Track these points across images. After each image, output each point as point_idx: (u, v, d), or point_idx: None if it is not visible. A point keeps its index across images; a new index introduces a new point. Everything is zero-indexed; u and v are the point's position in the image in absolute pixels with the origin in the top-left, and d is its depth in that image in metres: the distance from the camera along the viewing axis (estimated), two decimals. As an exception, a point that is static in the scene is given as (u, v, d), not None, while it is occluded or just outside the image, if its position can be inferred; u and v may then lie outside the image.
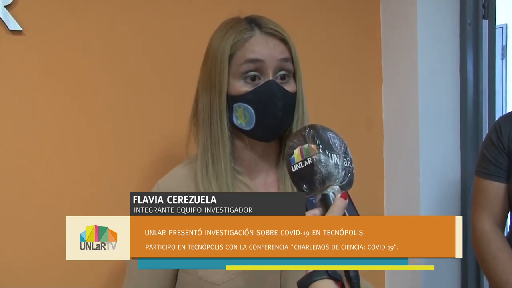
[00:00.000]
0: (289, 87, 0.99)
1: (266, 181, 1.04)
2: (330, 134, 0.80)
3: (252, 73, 0.96)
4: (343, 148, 0.80)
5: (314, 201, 0.79)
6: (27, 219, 1.21)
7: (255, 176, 1.03)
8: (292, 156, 0.79)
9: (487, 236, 1.36)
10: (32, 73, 1.21)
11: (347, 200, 0.76)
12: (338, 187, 0.77)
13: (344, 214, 0.75)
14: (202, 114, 1.00)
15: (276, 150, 1.05)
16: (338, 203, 0.75)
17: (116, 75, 1.32)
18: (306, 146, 0.78)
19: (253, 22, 1.00)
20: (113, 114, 1.32)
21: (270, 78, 0.97)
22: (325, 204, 0.76)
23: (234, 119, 0.99)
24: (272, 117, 0.97)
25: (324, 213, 0.75)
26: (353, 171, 0.80)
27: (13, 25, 1.17)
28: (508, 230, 1.45)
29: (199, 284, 0.96)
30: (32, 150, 1.22)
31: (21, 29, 1.18)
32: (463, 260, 1.82)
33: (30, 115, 1.22)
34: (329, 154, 0.77)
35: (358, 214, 0.80)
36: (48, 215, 1.22)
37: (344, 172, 0.77)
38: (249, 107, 0.97)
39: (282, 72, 0.98)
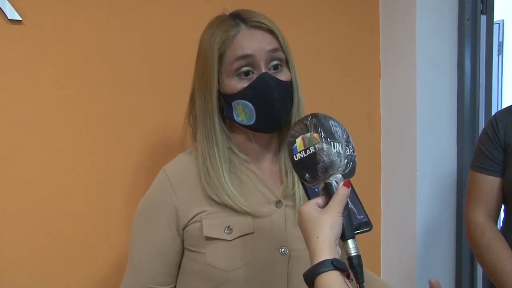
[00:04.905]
0: (283, 76, 0.99)
1: (271, 170, 1.05)
2: (332, 123, 0.79)
3: (245, 68, 0.96)
4: (345, 136, 0.79)
5: (316, 190, 0.79)
6: (27, 219, 1.19)
7: (261, 164, 1.04)
8: (295, 145, 0.79)
9: (481, 227, 1.37)
10: (30, 63, 1.20)
11: (350, 188, 0.76)
12: (340, 175, 0.77)
13: (347, 203, 0.76)
14: (198, 114, 1.01)
15: (277, 140, 1.06)
16: (341, 191, 0.75)
17: (115, 69, 1.30)
18: (308, 135, 0.78)
19: (238, 18, 1.00)
20: (112, 109, 1.30)
21: (263, 71, 0.96)
22: (328, 192, 0.76)
23: (235, 117, 0.99)
24: (271, 109, 0.97)
25: (327, 201, 0.76)
26: (356, 160, 0.79)
27: (12, 14, 1.16)
28: (501, 224, 1.46)
29: (207, 271, 0.97)
30: (30, 145, 1.20)
31: (20, 18, 1.17)
32: (458, 246, 1.86)
33: (28, 105, 1.20)
34: (332, 142, 0.76)
35: (360, 202, 0.81)
36: (48, 214, 1.20)
37: (346, 160, 0.77)
38: (248, 103, 0.97)
39: (274, 62, 0.98)
